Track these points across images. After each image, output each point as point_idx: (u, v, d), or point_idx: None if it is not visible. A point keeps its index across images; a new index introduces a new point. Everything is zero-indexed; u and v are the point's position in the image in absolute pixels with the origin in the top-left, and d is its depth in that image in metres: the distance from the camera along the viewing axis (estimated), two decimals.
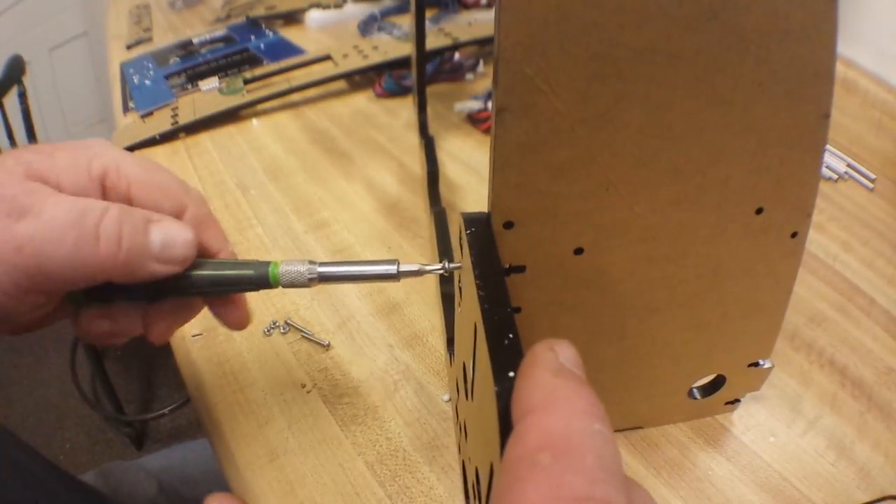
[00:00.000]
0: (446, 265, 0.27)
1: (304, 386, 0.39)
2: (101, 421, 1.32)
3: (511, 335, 0.20)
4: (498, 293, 0.22)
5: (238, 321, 0.31)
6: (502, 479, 0.14)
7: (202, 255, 0.29)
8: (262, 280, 0.27)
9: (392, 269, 0.27)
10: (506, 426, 0.17)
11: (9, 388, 1.39)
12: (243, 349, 0.41)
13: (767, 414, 0.36)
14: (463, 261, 0.26)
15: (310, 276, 0.27)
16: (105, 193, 0.27)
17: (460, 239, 0.26)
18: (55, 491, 0.37)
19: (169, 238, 0.26)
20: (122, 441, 1.29)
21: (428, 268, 0.27)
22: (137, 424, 1.31)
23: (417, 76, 0.58)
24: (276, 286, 0.28)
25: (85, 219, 0.24)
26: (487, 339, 0.20)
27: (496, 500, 0.14)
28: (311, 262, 0.27)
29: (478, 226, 0.25)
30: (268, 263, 0.28)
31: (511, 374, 0.18)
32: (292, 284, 0.27)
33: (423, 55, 0.56)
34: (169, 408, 1.24)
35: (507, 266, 0.25)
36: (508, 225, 0.24)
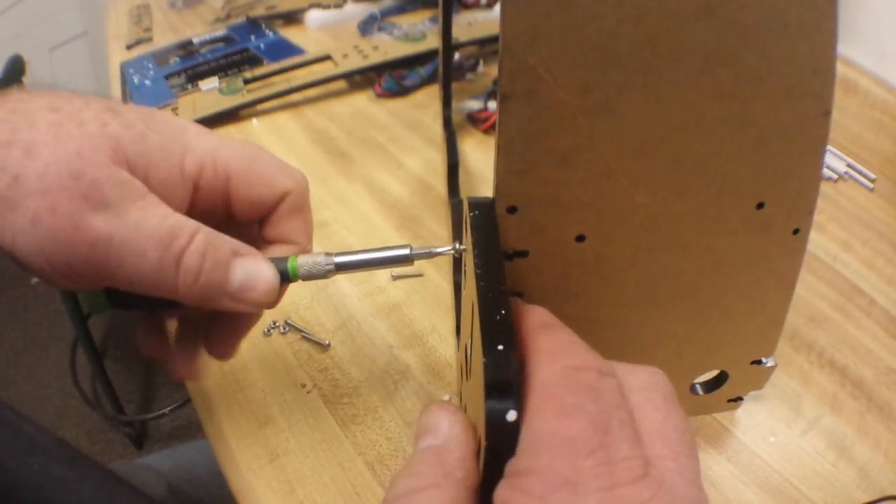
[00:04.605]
0: (456, 246, 0.28)
1: (304, 386, 0.39)
2: (101, 421, 1.32)
3: (503, 311, 0.20)
4: (494, 272, 0.22)
5: (231, 350, 0.30)
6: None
7: (280, 246, 0.29)
8: (283, 275, 0.27)
9: (405, 252, 0.28)
10: (490, 397, 0.18)
11: (9, 388, 1.39)
12: (243, 349, 0.41)
13: (767, 414, 0.36)
14: (466, 243, 0.26)
15: (327, 267, 0.27)
16: (196, 191, 0.26)
17: (465, 222, 0.26)
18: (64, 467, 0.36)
19: (250, 280, 0.25)
20: (122, 441, 1.29)
21: (439, 249, 0.28)
22: (137, 424, 1.31)
23: (443, 70, 0.58)
24: (294, 280, 0.28)
25: (173, 242, 0.23)
26: (480, 313, 0.20)
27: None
28: (328, 254, 0.28)
29: (481, 209, 0.25)
30: (285, 259, 0.28)
31: (500, 347, 0.19)
32: (311, 277, 0.27)
33: (450, 49, 0.57)
34: (169, 408, 1.24)
35: (511, 251, 0.26)
36: (512, 209, 0.25)
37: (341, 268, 0.28)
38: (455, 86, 0.67)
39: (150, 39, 0.85)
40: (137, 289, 0.24)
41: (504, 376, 0.18)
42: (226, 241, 0.25)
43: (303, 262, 0.27)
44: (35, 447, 0.33)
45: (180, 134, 0.25)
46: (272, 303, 0.26)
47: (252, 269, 0.25)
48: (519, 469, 0.17)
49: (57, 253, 0.22)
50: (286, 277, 0.27)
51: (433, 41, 0.72)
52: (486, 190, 0.25)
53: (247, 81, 0.68)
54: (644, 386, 0.20)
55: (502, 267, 0.23)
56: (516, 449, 0.18)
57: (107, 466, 0.52)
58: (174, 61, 0.76)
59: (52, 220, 0.21)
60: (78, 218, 0.21)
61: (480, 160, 0.57)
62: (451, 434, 0.20)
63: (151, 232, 0.22)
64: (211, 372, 0.40)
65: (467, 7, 0.83)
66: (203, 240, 0.24)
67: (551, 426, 0.17)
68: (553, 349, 0.19)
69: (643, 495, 0.16)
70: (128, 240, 0.22)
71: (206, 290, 0.24)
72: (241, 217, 0.28)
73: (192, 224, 0.24)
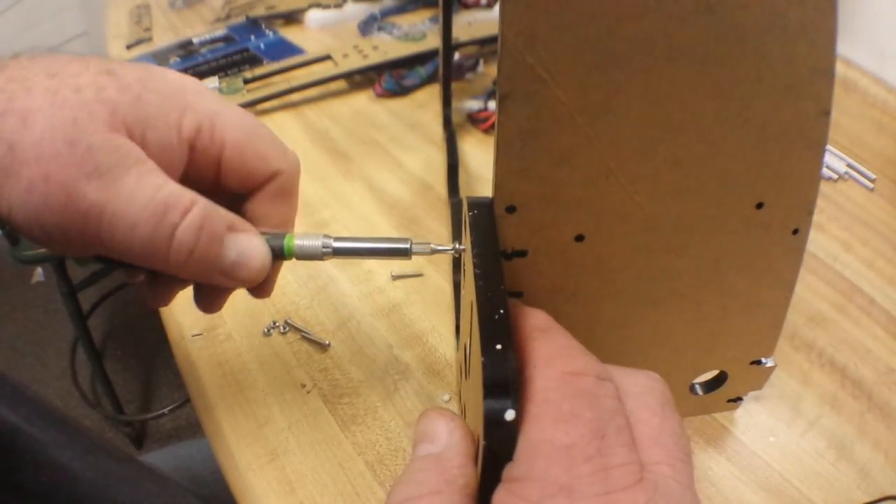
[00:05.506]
0: (456, 246, 0.28)
1: (304, 386, 0.39)
2: (101, 421, 1.32)
3: (502, 311, 0.20)
4: (493, 272, 0.22)
5: (267, 288, 0.29)
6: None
7: (260, 225, 0.28)
8: (277, 251, 0.27)
9: (404, 246, 0.28)
10: (489, 396, 0.18)
11: None
12: (243, 349, 0.41)
13: (767, 414, 0.36)
14: (465, 242, 0.26)
15: (324, 250, 0.27)
16: (192, 153, 0.25)
17: (464, 221, 0.26)
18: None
19: (244, 257, 0.25)
20: (122, 441, 1.29)
21: (439, 248, 0.28)
22: (137, 424, 1.31)
23: (443, 70, 0.58)
24: (289, 258, 0.28)
25: (165, 216, 0.22)
26: (479, 313, 0.20)
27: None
28: (326, 236, 0.28)
29: (480, 209, 0.25)
30: (283, 235, 0.27)
31: (498, 346, 0.19)
32: (306, 257, 0.27)
33: (450, 49, 0.57)
34: (169, 408, 1.24)
35: (510, 250, 0.26)
36: (511, 209, 0.25)
37: (338, 252, 0.28)
38: (455, 86, 0.67)
39: (150, 39, 0.85)
40: (128, 260, 0.24)
41: (502, 375, 0.18)
42: (222, 215, 0.24)
43: (300, 241, 0.27)
44: (95, 446, 0.33)
45: (180, 93, 0.25)
46: (261, 279, 0.26)
47: (246, 245, 0.25)
48: (516, 475, 0.17)
49: (51, 220, 0.22)
50: (281, 254, 0.27)
51: (433, 41, 0.72)
52: (486, 190, 0.25)
53: (247, 81, 0.68)
54: (641, 391, 0.20)
55: (501, 266, 0.23)
56: (514, 455, 0.18)
57: None
58: (174, 61, 0.76)
59: (46, 188, 0.21)
60: (71, 186, 0.21)
61: (480, 160, 0.57)
62: (450, 441, 0.20)
63: (145, 203, 0.22)
64: (211, 372, 0.40)
65: (467, 7, 0.83)
66: (199, 214, 0.23)
67: (549, 433, 0.17)
68: (550, 354, 0.19)
69: (638, 500, 0.16)
70: (120, 210, 0.22)
71: (199, 265, 0.24)
72: (229, 187, 0.28)
73: (188, 196, 0.23)
